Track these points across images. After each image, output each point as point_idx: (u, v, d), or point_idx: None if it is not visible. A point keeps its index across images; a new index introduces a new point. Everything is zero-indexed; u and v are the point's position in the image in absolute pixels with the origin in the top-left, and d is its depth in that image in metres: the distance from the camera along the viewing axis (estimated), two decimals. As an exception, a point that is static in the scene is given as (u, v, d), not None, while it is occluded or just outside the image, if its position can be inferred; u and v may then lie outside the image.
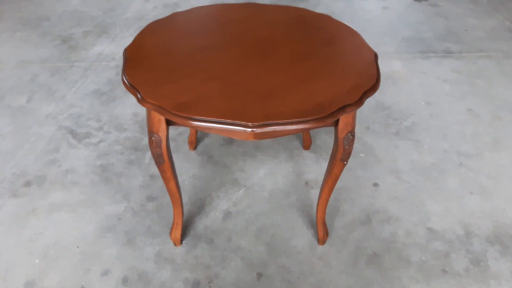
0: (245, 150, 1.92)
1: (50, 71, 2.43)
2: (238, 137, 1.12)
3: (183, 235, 1.55)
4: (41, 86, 2.31)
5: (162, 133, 1.17)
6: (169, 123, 1.17)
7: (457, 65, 2.57)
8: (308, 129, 1.14)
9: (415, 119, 2.13)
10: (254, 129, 1.04)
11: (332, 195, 1.72)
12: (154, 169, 1.81)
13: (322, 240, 1.51)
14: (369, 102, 2.23)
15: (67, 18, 3.00)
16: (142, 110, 2.15)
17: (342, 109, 1.09)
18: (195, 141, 1.89)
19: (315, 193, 1.72)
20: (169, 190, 1.34)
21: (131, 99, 2.22)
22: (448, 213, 1.66)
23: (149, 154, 1.89)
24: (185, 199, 1.69)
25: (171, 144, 1.94)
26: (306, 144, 1.90)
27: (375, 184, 1.77)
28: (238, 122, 1.04)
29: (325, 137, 2.00)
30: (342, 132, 1.18)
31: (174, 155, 1.88)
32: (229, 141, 1.97)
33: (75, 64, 2.50)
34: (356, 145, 1.96)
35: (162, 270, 1.43)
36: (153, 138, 1.18)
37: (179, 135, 1.99)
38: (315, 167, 1.84)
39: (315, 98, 1.11)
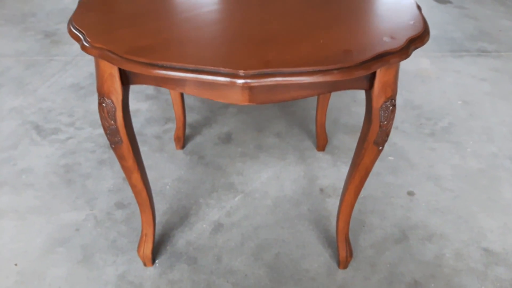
0: (245, 150, 1.55)
1: (25, 64, 2.12)
2: (226, 98, 0.76)
3: (157, 252, 1.17)
4: (12, 79, 1.99)
5: (116, 97, 0.81)
6: (125, 81, 0.81)
7: (495, 64, 2.21)
8: (328, 88, 0.78)
9: (452, 119, 1.76)
10: (248, 81, 0.68)
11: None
12: (130, 171, 1.45)
13: (344, 263, 1.12)
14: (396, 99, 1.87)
15: (55, 15, 2.72)
16: (124, 105, 1.80)
17: (380, 58, 0.73)
18: (183, 137, 1.53)
19: (333, 203, 1.34)
20: (132, 187, 0.97)
21: (113, 94, 1.88)
22: (509, 231, 1.26)
23: (126, 153, 1.53)
24: (165, 206, 1.32)
25: (155, 142, 1.58)
26: (321, 143, 1.53)
27: (410, 193, 1.38)
28: (223, 70, 0.68)
29: (343, 137, 1.63)
30: (379, 99, 0.81)
31: (157, 155, 1.52)
32: (226, 139, 1.61)
33: (55, 58, 2.19)
34: (382, 146, 1.58)
35: (124, 299, 1.05)
36: (103, 104, 0.82)
37: (165, 132, 1.64)
38: (332, 171, 1.47)
39: (339, 44, 0.76)
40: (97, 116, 1.73)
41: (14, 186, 1.38)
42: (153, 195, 1.35)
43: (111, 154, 1.53)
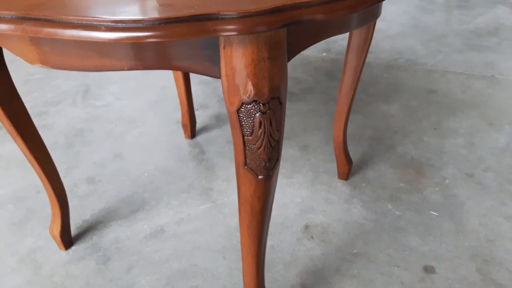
0: (253, 156, 1.29)
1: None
2: (20, 53, 0.57)
3: (82, 237, 1.04)
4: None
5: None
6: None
7: None
8: (147, 61, 0.52)
9: None
10: (12, 26, 0.48)
11: (335, 263, 0.96)
12: (124, 148, 1.35)
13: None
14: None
15: None
16: (171, 84, 1.73)
17: (194, 20, 0.43)
18: (190, 125, 1.36)
19: (310, 247, 1.00)
20: (24, 155, 0.86)
21: (171, 71, 1.82)
22: None
23: (137, 131, 1.45)
24: (126, 194, 1.17)
25: (172, 127, 1.45)
26: (341, 169, 1.17)
27: (429, 269, 0.93)
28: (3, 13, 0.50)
29: (386, 170, 1.22)
30: (233, 96, 0.50)
31: (162, 139, 1.39)
32: (241, 140, 1.37)
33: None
34: (434, 195, 1.12)
35: (14, 276, 0.95)
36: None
37: (188, 118, 1.49)
38: (338, 208, 1.10)
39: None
40: (142, 91, 1.69)
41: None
42: (126, 179, 1.23)
43: (125, 128, 1.46)
